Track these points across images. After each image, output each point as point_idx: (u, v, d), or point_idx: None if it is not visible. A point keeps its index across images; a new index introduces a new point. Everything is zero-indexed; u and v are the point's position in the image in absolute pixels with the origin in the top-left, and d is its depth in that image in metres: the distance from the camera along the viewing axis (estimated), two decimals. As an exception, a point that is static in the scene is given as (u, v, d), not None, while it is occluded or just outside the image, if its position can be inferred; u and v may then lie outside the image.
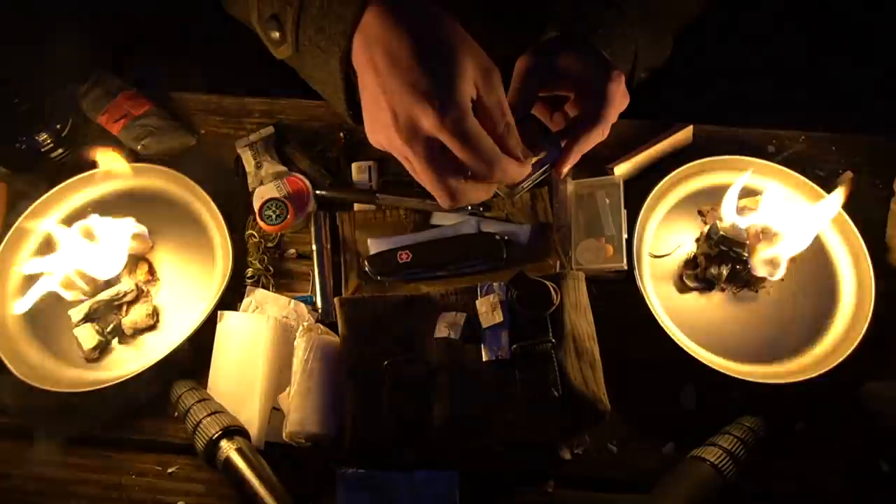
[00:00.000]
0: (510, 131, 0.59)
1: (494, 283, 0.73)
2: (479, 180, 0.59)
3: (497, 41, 0.84)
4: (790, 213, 0.80)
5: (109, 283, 0.82)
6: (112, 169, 0.87)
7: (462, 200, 0.59)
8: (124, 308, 0.82)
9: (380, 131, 0.58)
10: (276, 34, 0.64)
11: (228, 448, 0.69)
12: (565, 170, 0.69)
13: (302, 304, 0.82)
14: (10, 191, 0.90)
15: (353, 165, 0.89)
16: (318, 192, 0.87)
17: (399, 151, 0.58)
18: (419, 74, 0.54)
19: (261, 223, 0.84)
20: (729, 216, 0.80)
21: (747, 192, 0.87)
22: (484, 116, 0.57)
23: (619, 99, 0.67)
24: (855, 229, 0.82)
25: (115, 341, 0.81)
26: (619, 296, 0.80)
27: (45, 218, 0.86)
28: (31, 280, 0.81)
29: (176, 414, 0.74)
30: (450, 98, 0.54)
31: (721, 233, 0.80)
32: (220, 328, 0.78)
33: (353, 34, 0.58)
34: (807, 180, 0.86)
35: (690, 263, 0.83)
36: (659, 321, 0.77)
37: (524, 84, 0.68)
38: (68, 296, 0.81)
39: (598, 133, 0.67)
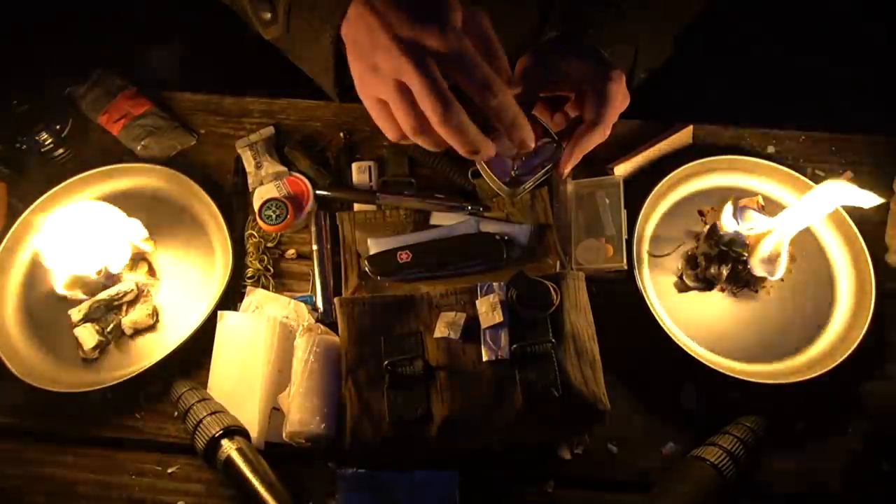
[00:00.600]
0: (498, 55, 0.60)
1: (494, 283, 0.73)
2: (477, 99, 0.58)
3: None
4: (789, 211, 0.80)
5: (109, 283, 0.82)
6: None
7: (453, 119, 0.56)
8: (124, 308, 0.82)
9: (373, 67, 0.58)
10: (268, 14, 0.65)
11: (229, 448, 0.69)
12: (567, 170, 0.69)
13: (302, 304, 0.82)
14: (11, 191, 0.90)
15: (354, 166, 0.89)
16: (317, 192, 0.87)
17: (394, 75, 0.57)
18: (418, 7, 0.56)
19: (261, 223, 0.84)
20: (729, 225, 0.80)
21: (747, 192, 0.87)
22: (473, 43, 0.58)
23: (619, 99, 0.67)
24: (855, 229, 0.82)
25: (115, 341, 0.81)
26: (619, 296, 0.80)
27: (46, 218, 0.86)
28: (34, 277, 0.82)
29: (176, 414, 0.74)
30: (450, 21, 0.56)
31: (721, 233, 0.80)
32: (220, 328, 0.78)
33: (346, 10, 0.59)
34: (807, 180, 0.86)
35: (690, 263, 0.83)
36: (659, 321, 0.77)
37: (524, 85, 0.68)
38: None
39: (600, 133, 0.67)
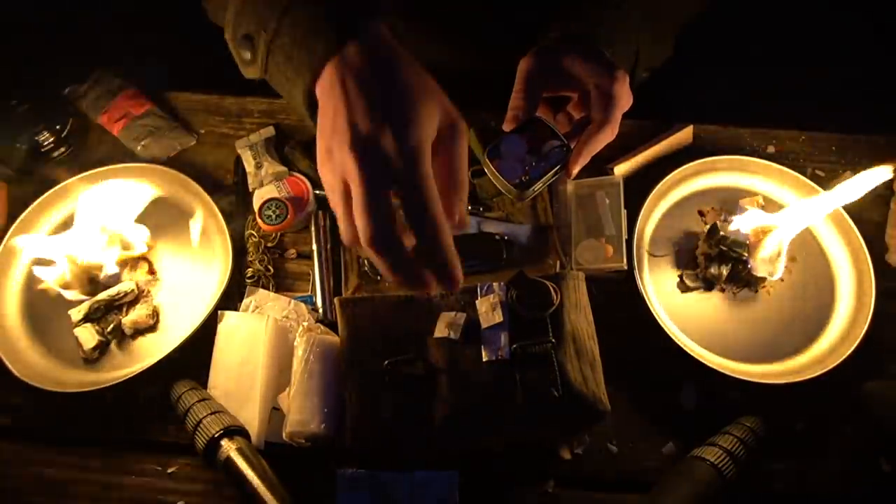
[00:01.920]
0: (462, 188, 0.57)
1: (494, 283, 0.73)
2: (410, 221, 0.54)
3: (497, 42, 0.84)
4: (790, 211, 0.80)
5: (109, 283, 0.82)
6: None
7: (383, 238, 0.52)
8: (124, 308, 0.82)
9: (330, 151, 0.55)
10: (248, 54, 0.63)
11: (229, 448, 0.69)
12: (576, 170, 0.69)
13: (302, 304, 0.82)
14: (11, 191, 0.90)
15: None
16: (317, 192, 0.87)
17: (341, 169, 0.53)
18: (388, 100, 0.53)
19: (261, 223, 0.84)
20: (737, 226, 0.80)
21: (747, 193, 0.87)
22: (441, 165, 0.56)
23: (624, 99, 0.68)
24: (855, 229, 0.82)
25: (115, 341, 0.81)
26: (619, 296, 0.80)
27: (45, 218, 0.86)
28: (34, 277, 0.82)
29: (176, 414, 0.74)
30: (414, 126, 0.53)
31: (721, 233, 0.80)
32: (220, 328, 0.78)
33: (320, 68, 0.56)
34: (807, 180, 0.86)
35: (690, 263, 0.83)
36: (659, 321, 0.77)
37: (528, 86, 0.68)
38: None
39: (608, 133, 0.68)
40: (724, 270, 0.81)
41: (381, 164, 0.52)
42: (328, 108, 0.56)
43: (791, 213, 0.79)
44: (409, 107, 0.53)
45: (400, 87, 0.54)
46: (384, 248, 0.52)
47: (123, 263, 0.84)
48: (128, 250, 0.83)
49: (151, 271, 0.85)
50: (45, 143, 0.90)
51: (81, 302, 0.81)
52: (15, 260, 0.85)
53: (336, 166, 0.54)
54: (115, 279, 0.82)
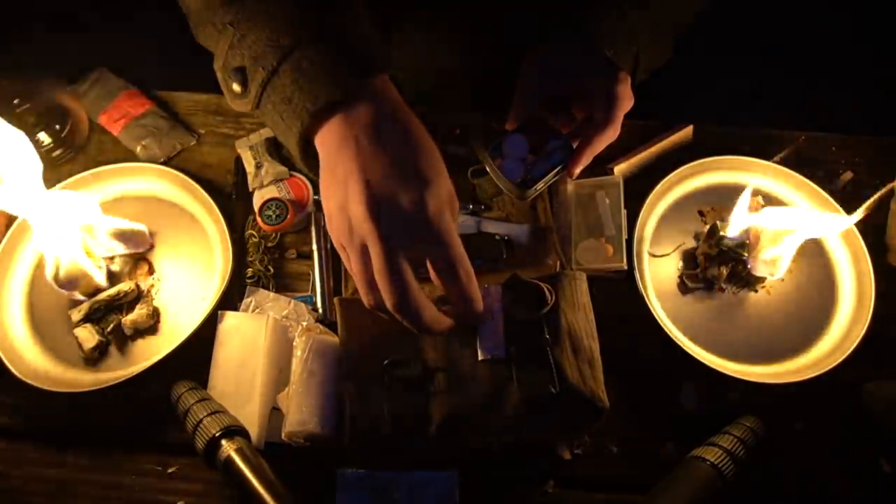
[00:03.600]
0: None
1: (491, 286, 0.73)
2: (442, 284, 0.55)
3: (498, 43, 0.84)
4: (792, 215, 0.79)
5: (109, 284, 0.82)
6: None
7: (408, 304, 0.54)
8: (124, 308, 0.82)
9: (343, 210, 0.54)
10: (238, 88, 0.60)
11: (229, 447, 0.69)
12: (578, 170, 0.69)
13: (302, 304, 0.82)
14: (11, 191, 0.90)
15: None
16: (317, 197, 0.87)
17: (359, 233, 0.53)
18: (406, 158, 0.52)
19: (261, 223, 0.84)
20: (736, 227, 0.80)
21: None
22: None
23: (626, 99, 0.68)
24: (855, 229, 0.82)
25: (115, 341, 0.81)
26: (619, 296, 0.80)
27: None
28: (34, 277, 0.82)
29: (176, 414, 0.74)
30: (437, 187, 0.52)
31: (721, 233, 0.80)
32: (220, 328, 0.78)
33: (324, 117, 0.55)
34: (807, 180, 0.86)
35: (690, 263, 0.83)
36: (659, 321, 0.77)
37: (530, 86, 0.68)
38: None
39: (609, 134, 0.68)
40: (724, 270, 0.81)
41: (402, 226, 0.52)
42: (336, 164, 0.54)
43: (794, 218, 0.78)
44: (428, 164, 0.53)
45: (414, 144, 0.53)
46: (409, 314, 0.54)
47: (123, 263, 0.84)
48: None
49: (151, 271, 0.85)
50: (45, 143, 0.90)
51: (81, 302, 0.81)
52: (15, 260, 0.85)
53: (353, 227, 0.53)
54: (115, 279, 0.82)
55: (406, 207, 0.51)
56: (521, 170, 0.68)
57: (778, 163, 0.87)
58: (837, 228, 0.78)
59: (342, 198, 0.54)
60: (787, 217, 0.78)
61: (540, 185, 0.68)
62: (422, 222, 0.52)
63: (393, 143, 0.53)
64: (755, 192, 0.87)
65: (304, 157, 0.60)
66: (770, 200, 0.87)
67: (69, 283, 0.79)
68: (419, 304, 0.54)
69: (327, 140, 0.56)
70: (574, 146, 0.69)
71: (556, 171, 0.68)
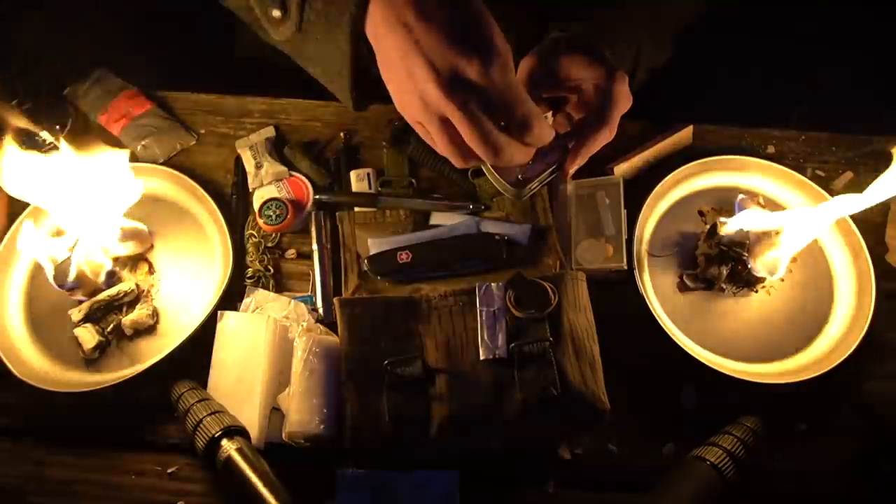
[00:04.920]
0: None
1: (493, 284, 0.73)
2: (517, 137, 0.57)
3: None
4: (791, 214, 0.80)
5: (109, 284, 0.82)
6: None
7: (504, 156, 0.57)
8: (124, 308, 0.82)
9: (412, 93, 0.55)
10: (278, 13, 0.62)
11: (229, 447, 0.69)
12: (573, 170, 0.69)
13: (302, 304, 0.82)
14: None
15: (352, 174, 0.89)
16: (317, 197, 0.87)
17: (436, 109, 0.55)
18: (458, 27, 0.53)
19: (261, 223, 0.84)
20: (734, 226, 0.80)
21: (747, 192, 0.87)
22: None
23: (623, 100, 0.67)
24: (855, 229, 0.82)
25: (115, 341, 0.81)
26: (619, 296, 0.80)
27: (45, 218, 0.86)
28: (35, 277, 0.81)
29: (176, 414, 0.74)
30: (492, 48, 0.53)
31: (721, 233, 0.80)
32: (220, 328, 0.78)
33: (365, 6, 0.56)
34: (807, 180, 0.86)
35: (690, 263, 0.83)
36: (659, 321, 0.77)
37: (528, 86, 0.68)
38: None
39: (606, 134, 0.68)
40: (724, 270, 0.81)
41: (474, 93, 0.53)
42: (392, 50, 0.55)
43: (791, 217, 0.78)
44: (478, 29, 0.53)
45: (461, 11, 0.53)
46: (508, 160, 0.57)
47: (123, 263, 0.84)
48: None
49: (151, 271, 0.85)
50: (45, 143, 0.90)
51: (81, 302, 0.81)
52: (15, 260, 0.85)
53: (428, 107, 0.55)
54: (115, 279, 0.82)
55: (472, 77, 0.53)
56: (517, 169, 0.68)
57: (778, 162, 0.87)
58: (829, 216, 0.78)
59: (407, 81, 0.55)
60: (782, 218, 0.78)
61: (534, 185, 0.68)
62: (489, 89, 0.53)
63: (440, 16, 0.53)
64: (755, 193, 0.87)
65: (354, 79, 0.62)
66: (770, 201, 0.86)
67: (71, 283, 0.79)
68: (514, 151, 0.57)
69: (379, 28, 0.56)
70: (570, 146, 0.68)
71: (550, 170, 0.68)
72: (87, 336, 0.80)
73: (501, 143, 0.56)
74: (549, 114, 0.73)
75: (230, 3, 0.72)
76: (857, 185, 0.88)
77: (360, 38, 0.59)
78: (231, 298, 0.82)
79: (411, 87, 0.55)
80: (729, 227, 0.79)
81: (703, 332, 0.80)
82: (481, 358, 0.70)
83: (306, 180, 0.88)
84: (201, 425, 0.70)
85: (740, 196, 0.82)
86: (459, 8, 0.54)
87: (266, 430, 0.75)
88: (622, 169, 0.86)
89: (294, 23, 0.62)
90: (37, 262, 0.84)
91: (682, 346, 0.76)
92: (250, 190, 0.89)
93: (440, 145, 0.58)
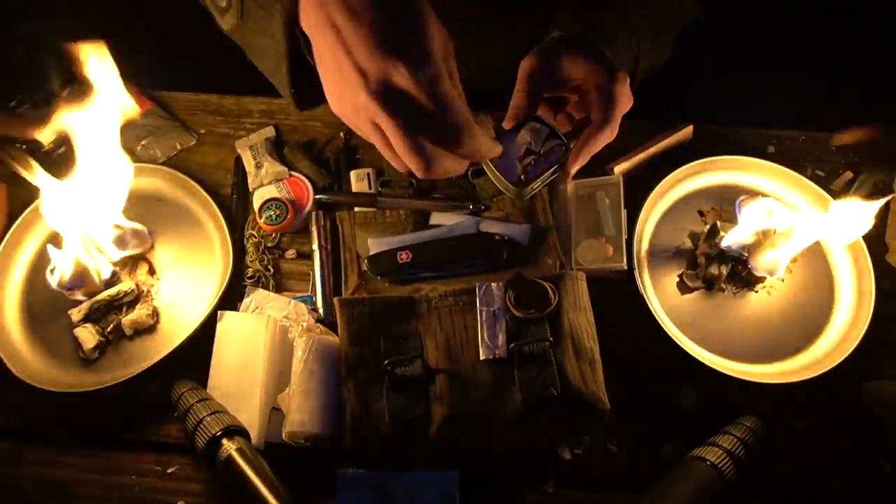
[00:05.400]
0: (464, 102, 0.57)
1: (493, 284, 0.73)
2: (450, 149, 0.55)
3: (498, 42, 0.84)
4: (793, 216, 0.79)
5: (110, 283, 0.82)
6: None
7: (436, 169, 0.54)
8: (124, 308, 0.82)
9: (344, 96, 0.53)
10: (223, 2, 0.61)
11: (229, 447, 0.69)
12: (574, 170, 0.69)
13: (302, 304, 0.82)
14: (11, 191, 0.90)
15: (352, 174, 0.89)
16: (317, 197, 0.87)
17: (367, 115, 0.53)
18: (387, 29, 0.50)
19: (261, 223, 0.84)
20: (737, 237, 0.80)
21: (747, 192, 0.87)
22: None
23: (624, 100, 0.67)
24: (855, 229, 0.82)
25: (115, 341, 0.81)
26: (619, 296, 0.80)
27: (45, 219, 0.86)
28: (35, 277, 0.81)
29: (176, 414, 0.74)
30: (423, 53, 0.51)
31: (722, 233, 0.80)
32: (220, 328, 0.78)
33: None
34: (807, 180, 0.86)
35: (690, 263, 0.83)
36: (659, 321, 0.77)
37: (529, 86, 0.68)
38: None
39: (608, 134, 0.68)
40: (724, 270, 0.81)
41: (404, 102, 0.51)
42: (323, 50, 0.53)
43: (791, 218, 0.78)
44: (408, 28, 0.51)
45: (398, 10, 0.51)
46: (442, 172, 0.56)
47: (123, 264, 0.84)
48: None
49: (151, 271, 0.85)
50: (46, 142, 0.90)
51: (81, 302, 0.81)
52: (15, 260, 0.85)
53: (359, 111, 0.53)
54: (115, 279, 0.82)
55: (401, 85, 0.51)
56: (518, 169, 0.68)
57: (778, 162, 0.87)
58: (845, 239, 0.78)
59: (340, 83, 0.53)
60: (793, 220, 0.78)
61: (536, 185, 0.68)
62: (418, 96, 0.51)
63: (369, 16, 0.51)
64: (755, 193, 0.87)
65: (292, 73, 0.61)
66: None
67: (71, 283, 0.79)
68: (448, 164, 0.55)
69: (311, 27, 0.54)
70: (571, 146, 0.69)
71: (552, 170, 0.68)
72: (87, 336, 0.80)
73: (433, 155, 0.54)
74: (548, 116, 0.73)
75: None
76: (857, 185, 0.88)
77: (296, 32, 0.57)
78: (231, 298, 0.82)
79: (344, 90, 0.53)
80: (727, 240, 0.79)
81: (703, 332, 0.80)
82: (481, 358, 0.70)
83: (306, 180, 0.88)
84: (201, 425, 0.70)
85: (741, 196, 0.82)
86: (390, 5, 0.51)
87: (266, 430, 0.75)
88: (622, 169, 0.86)
89: (236, 11, 0.60)
90: (37, 261, 0.84)
91: (681, 345, 0.76)
92: (250, 190, 0.89)
93: (379, 149, 0.56)
